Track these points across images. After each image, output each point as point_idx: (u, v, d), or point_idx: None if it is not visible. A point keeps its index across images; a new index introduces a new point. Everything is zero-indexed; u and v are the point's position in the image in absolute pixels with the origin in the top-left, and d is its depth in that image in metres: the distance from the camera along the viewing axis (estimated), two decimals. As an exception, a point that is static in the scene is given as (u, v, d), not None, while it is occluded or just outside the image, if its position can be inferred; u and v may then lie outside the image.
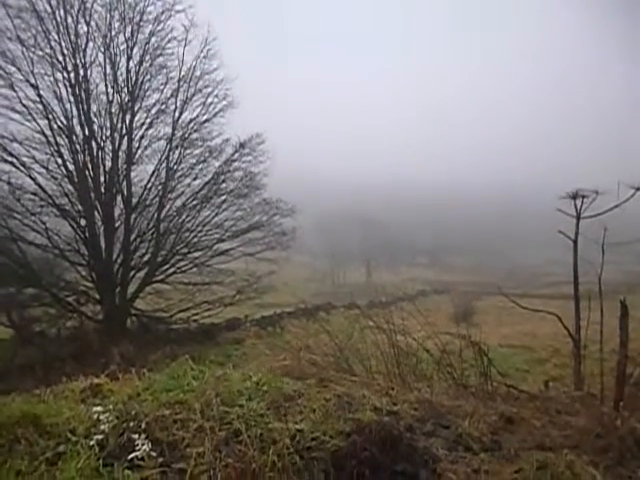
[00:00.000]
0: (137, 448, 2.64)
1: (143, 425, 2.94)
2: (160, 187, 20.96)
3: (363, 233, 69.27)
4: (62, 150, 19.03)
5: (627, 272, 61.72)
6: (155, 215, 20.79)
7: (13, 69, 17.67)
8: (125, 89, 19.99)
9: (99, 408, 3.09)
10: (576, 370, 5.24)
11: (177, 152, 21.25)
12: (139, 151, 20.77)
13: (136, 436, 2.76)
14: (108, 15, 19.40)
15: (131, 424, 2.95)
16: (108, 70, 19.72)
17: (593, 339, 5.90)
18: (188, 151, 21.56)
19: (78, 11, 18.87)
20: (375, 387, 4.04)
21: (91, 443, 2.67)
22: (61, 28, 18.67)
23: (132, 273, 20.69)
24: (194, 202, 21.43)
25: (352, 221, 71.87)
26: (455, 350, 4.83)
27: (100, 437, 2.74)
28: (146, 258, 20.84)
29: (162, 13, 20.03)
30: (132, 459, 2.57)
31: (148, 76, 20.46)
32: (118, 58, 19.86)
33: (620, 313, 4.60)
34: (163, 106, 20.88)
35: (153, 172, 21.02)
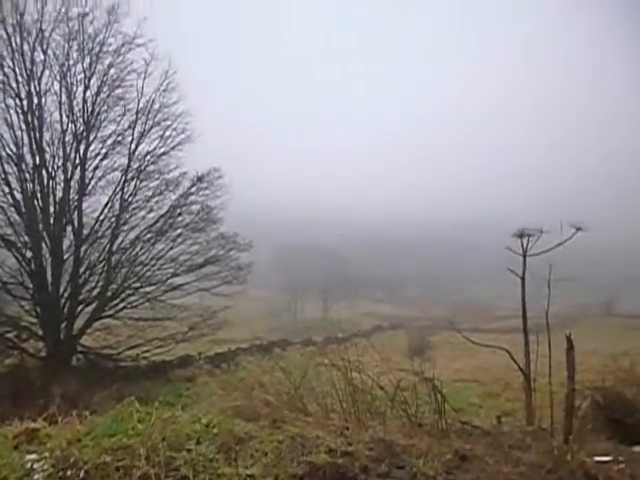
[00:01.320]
0: (74, 499, 2.46)
1: (82, 474, 2.75)
2: (113, 219, 20.39)
3: (321, 267, 69.31)
4: (10, 178, 18.33)
5: (573, 306, 64.47)
6: (107, 247, 20.13)
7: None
8: (81, 119, 19.59)
9: (33, 456, 2.88)
10: (527, 404, 5.35)
11: (132, 184, 20.82)
12: (92, 182, 20.23)
13: (73, 486, 2.58)
14: (66, 44, 19.16)
15: (69, 473, 2.75)
16: (64, 99, 19.32)
17: (543, 372, 6.07)
18: (144, 183, 21.19)
19: (35, 39, 18.57)
20: (330, 427, 3.96)
21: (22, 496, 2.47)
22: (16, 55, 18.31)
23: (80, 307, 19.76)
24: (148, 235, 20.92)
25: (311, 255, 71.93)
26: (409, 386, 4.83)
27: (33, 488, 2.54)
28: (95, 292, 19.99)
29: (122, 46, 19.97)
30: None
31: (105, 107, 20.17)
32: (75, 87, 19.52)
33: (566, 347, 4.77)
34: (119, 137, 20.56)
35: (106, 203, 20.45)
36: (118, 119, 20.58)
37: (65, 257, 19.37)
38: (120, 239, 20.62)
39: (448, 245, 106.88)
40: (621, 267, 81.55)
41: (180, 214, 21.49)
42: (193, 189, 21.56)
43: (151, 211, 21.32)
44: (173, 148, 21.38)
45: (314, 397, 4.91)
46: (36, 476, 2.65)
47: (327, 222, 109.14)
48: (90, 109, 19.72)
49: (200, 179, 21.53)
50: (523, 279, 5.60)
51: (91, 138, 19.93)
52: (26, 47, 18.52)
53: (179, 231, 21.45)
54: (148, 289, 20.83)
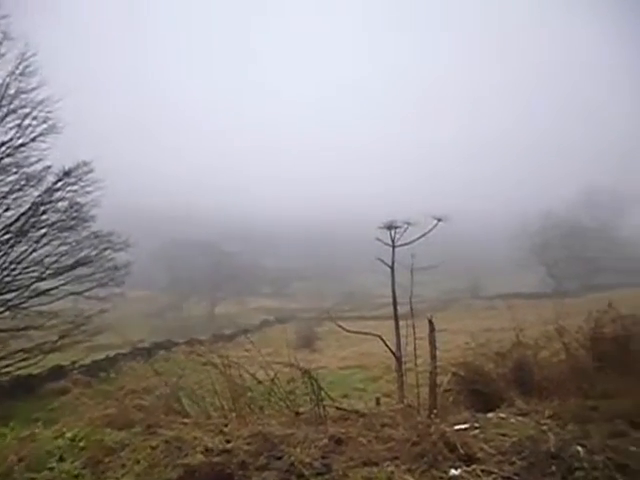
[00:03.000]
0: None
1: None
2: (-37, 218, 17.95)
3: (207, 263, 67.50)
4: None
5: (444, 291, 70.73)
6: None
7: None
8: None
9: None
10: (399, 385, 5.75)
11: (-15, 178, 18.47)
12: None
13: None
14: None
15: None
16: None
17: (417, 354, 6.59)
18: (-1, 177, 18.89)
19: None
20: (209, 427, 3.91)
21: None
22: None
23: None
24: (6, 236, 18.72)
25: (195, 252, 69.67)
26: (289, 379, 4.95)
27: None
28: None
29: (-34, 20, 17.53)
30: None
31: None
32: None
33: (429, 330, 5.22)
34: (-33, 126, 18.09)
35: (-47, 201, 17.93)
36: (-36, 105, 18.09)
37: None
38: (-29, 241, 18.21)
39: (334, 238, 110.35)
40: (482, 255, 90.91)
41: (44, 212, 19.53)
42: (59, 184, 19.69)
43: (8, 209, 19.07)
44: (34, 139, 19.30)
45: (194, 398, 4.81)
46: None
47: (210, 217, 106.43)
48: None
49: (67, 173, 19.73)
50: (392, 268, 6.00)
51: None
52: None
53: (43, 231, 19.51)
54: (8, 296, 18.68)
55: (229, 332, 38.18)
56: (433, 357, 5.12)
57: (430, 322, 5.26)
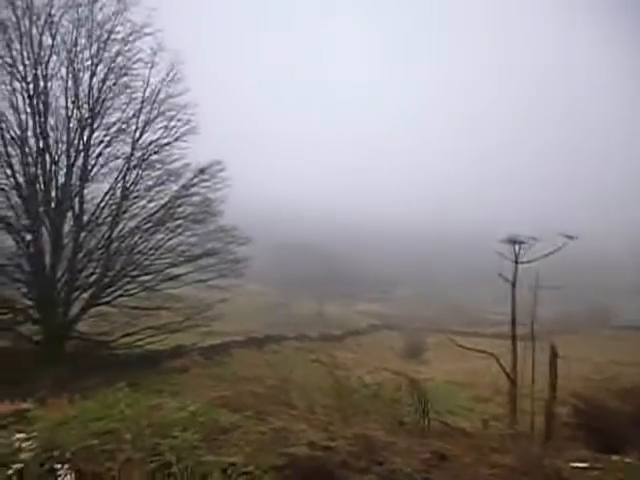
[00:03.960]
0: (59, 479, 2.53)
1: (68, 455, 2.82)
2: (114, 207, 20.41)
3: (315, 264, 69.32)
4: (12, 161, 18.37)
5: (566, 314, 64.58)
6: (106, 235, 20.16)
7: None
8: (86, 105, 19.59)
9: (21, 435, 2.95)
10: (512, 409, 5.42)
11: (135, 173, 20.84)
12: (95, 168, 20.25)
13: (59, 466, 2.65)
14: (75, 31, 19.18)
15: (55, 453, 2.82)
16: (70, 84, 19.32)
17: (534, 380, 6.16)
18: (146, 172, 21.20)
19: (44, 23, 18.58)
20: (314, 422, 4.04)
21: (9, 472, 2.54)
22: (24, 39, 18.31)
23: (76, 293, 19.80)
24: (148, 224, 20.93)
25: (307, 252, 71.96)
26: (396, 387, 4.91)
27: (19, 466, 2.61)
28: (92, 279, 20.04)
29: (130, 34, 19.94)
30: (52, 491, 2.47)
31: (111, 94, 20.16)
32: (81, 74, 19.51)
33: (550, 356, 4.84)
34: (124, 125, 20.55)
35: (108, 191, 20.46)
36: (123, 107, 20.58)
37: (64, 242, 19.42)
38: (120, 227, 20.63)
39: (440, 247, 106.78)
40: (613, 277, 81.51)
41: (180, 205, 21.50)
42: (195, 180, 21.58)
43: (152, 201, 21.31)
44: (177, 139, 21.37)
45: (302, 392, 4.99)
46: (23, 455, 2.72)
47: (322, 219, 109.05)
48: (96, 96, 19.73)
49: (202, 171, 21.55)
50: (514, 285, 5.66)
51: (95, 125, 19.94)
52: (35, 31, 18.52)
53: (179, 222, 21.45)
54: (145, 278, 20.83)
55: (337, 333, 38.74)
56: (553, 386, 4.74)
57: (553, 348, 4.88)
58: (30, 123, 18.71)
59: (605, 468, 4.41)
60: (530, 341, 5.98)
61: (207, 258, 21.89)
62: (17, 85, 18.43)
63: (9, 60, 18.10)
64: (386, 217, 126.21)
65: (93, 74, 19.70)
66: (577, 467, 4.17)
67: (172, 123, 21.24)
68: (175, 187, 21.56)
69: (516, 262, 5.55)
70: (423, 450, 3.71)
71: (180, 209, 21.55)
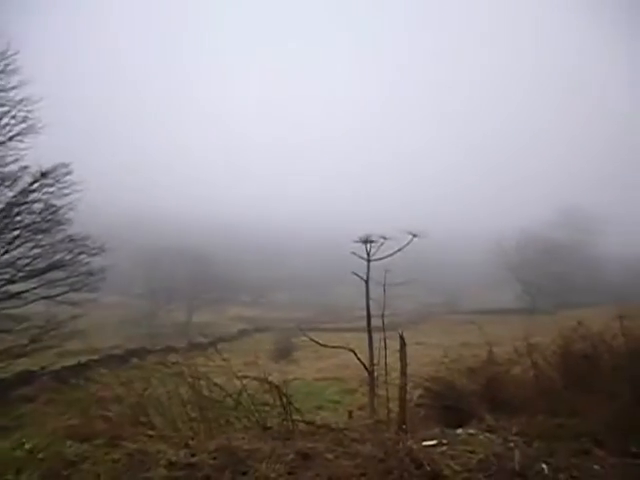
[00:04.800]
0: None
1: None
2: None
3: (187, 270, 66.58)
4: None
5: (421, 304, 71.28)
6: None
7: None
8: None
9: None
10: (370, 399, 5.74)
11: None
12: None
13: None
14: None
15: None
16: None
17: (391, 367, 6.61)
18: (-27, 176, 18.45)
19: None
20: (174, 440, 3.85)
21: None
22: None
23: None
24: (-22, 236, 18.26)
25: (175, 258, 68.69)
26: (259, 391, 4.91)
27: None
28: None
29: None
30: None
31: None
32: None
33: (400, 345, 5.24)
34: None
35: None
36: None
37: None
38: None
39: (314, 249, 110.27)
40: (460, 271, 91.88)
41: (18, 213, 19.06)
42: (35, 185, 19.27)
43: (-19, 209, 18.62)
44: (11, 139, 18.90)
45: (161, 409, 4.72)
46: None
47: (190, 225, 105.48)
48: None
49: (44, 175, 19.33)
50: (367, 282, 6.03)
51: None
52: None
53: (17, 232, 19.02)
54: (-26, 299, 18.17)
55: (206, 341, 37.67)
56: (403, 373, 5.13)
57: (401, 337, 5.28)
58: None
59: (451, 442, 4.90)
60: (389, 332, 6.41)
61: (55, 271, 19.78)
62: None
63: None
64: (266, 220, 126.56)
65: None
66: (427, 445, 4.55)
67: (5, 120, 18.74)
68: (11, 193, 19.05)
69: (368, 260, 5.92)
70: (287, 452, 3.74)
71: (18, 218, 19.09)
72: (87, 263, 20.38)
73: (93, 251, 20.49)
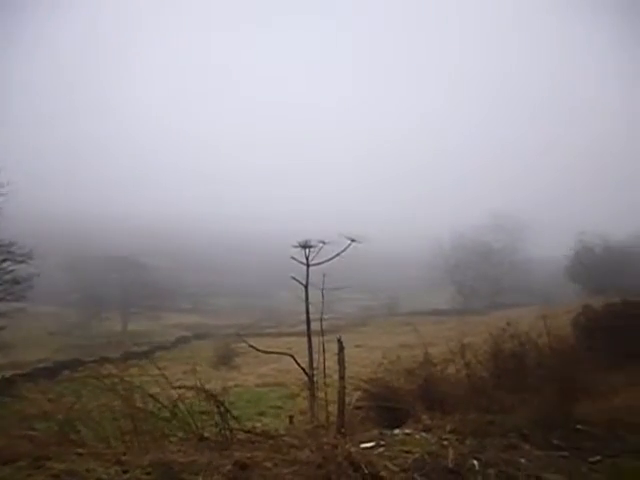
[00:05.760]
0: None
1: None
2: None
3: (120, 278, 63.75)
4: None
5: (362, 308, 72.50)
6: None
7: None
8: None
9: None
10: (310, 404, 5.77)
11: None
12: None
13: None
14: None
15: None
16: None
17: (332, 371, 6.67)
18: None
19: None
20: (105, 457, 3.67)
21: None
22: None
23: None
24: None
25: (108, 265, 65.59)
26: (195, 401, 4.80)
27: None
28: None
29: None
30: None
31: None
32: None
33: (338, 349, 5.31)
34: None
35: None
36: None
37: None
38: None
39: (255, 254, 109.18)
40: (400, 274, 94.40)
41: None
42: (-49, 189, 17.93)
43: None
44: None
45: (91, 425, 4.50)
46: None
47: (126, 231, 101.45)
48: None
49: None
50: (306, 287, 6.08)
51: None
52: None
53: None
54: None
55: (142, 350, 36.28)
56: (341, 377, 5.20)
57: (339, 341, 5.35)
58: None
59: (389, 443, 5.02)
60: (330, 335, 6.49)
61: (-26, 281, 18.44)
62: None
63: None
64: (209, 226, 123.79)
65: None
66: (365, 447, 4.64)
67: None
68: None
69: (307, 265, 5.98)
70: (225, 463, 3.67)
71: None
72: (12, 271, 19.11)
73: (19, 258, 19.26)
